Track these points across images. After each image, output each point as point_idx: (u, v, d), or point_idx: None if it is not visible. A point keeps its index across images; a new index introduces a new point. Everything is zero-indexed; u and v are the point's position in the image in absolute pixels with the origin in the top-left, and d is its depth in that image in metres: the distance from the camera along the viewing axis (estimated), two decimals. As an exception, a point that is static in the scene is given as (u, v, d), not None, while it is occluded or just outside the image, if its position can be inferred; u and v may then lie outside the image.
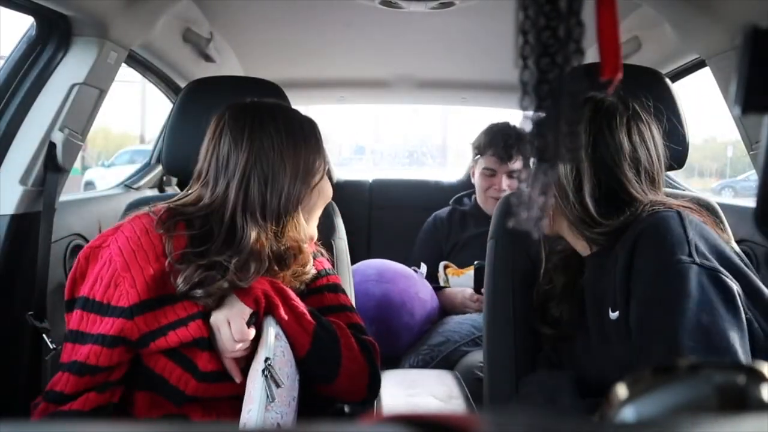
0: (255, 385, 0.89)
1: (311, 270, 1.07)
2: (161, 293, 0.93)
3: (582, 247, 1.03)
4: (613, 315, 0.93)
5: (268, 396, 0.88)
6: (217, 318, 0.93)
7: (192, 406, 0.96)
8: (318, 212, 1.09)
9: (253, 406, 0.87)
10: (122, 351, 0.92)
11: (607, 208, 0.95)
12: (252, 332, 0.93)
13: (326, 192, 1.09)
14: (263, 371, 0.89)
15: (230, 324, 0.92)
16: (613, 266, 0.93)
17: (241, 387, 0.95)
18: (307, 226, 1.05)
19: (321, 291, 1.11)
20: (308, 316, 0.99)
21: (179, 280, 0.93)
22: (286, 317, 0.96)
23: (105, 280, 0.93)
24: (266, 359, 0.90)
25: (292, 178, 1.00)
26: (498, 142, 2.05)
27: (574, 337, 1.07)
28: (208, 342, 0.94)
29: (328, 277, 1.14)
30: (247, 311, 0.93)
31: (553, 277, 1.12)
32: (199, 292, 0.92)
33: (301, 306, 0.99)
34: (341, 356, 1.01)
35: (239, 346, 0.92)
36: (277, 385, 0.89)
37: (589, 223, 0.96)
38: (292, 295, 0.99)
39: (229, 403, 0.97)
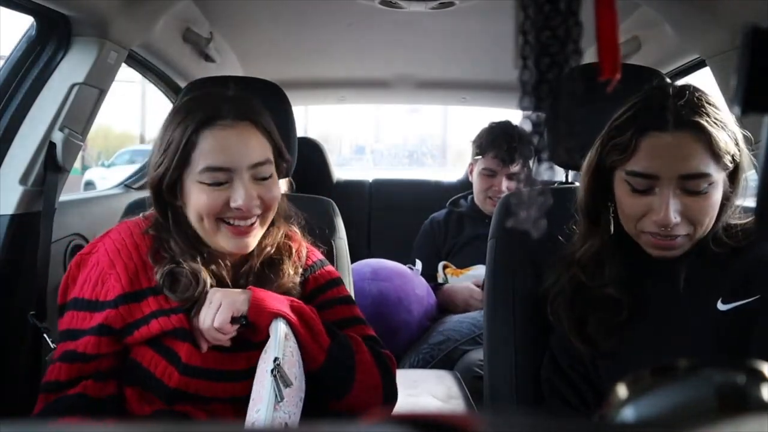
0: (264, 385, 0.89)
1: (291, 274, 1.05)
2: (146, 286, 0.96)
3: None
4: (724, 306, 0.93)
5: (276, 396, 0.87)
6: (215, 294, 0.95)
7: (182, 403, 0.96)
8: (202, 218, 0.96)
9: (262, 406, 0.87)
10: (109, 341, 0.95)
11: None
12: (231, 331, 0.93)
13: (196, 200, 0.96)
14: (272, 371, 0.89)
15: (219, 308, 0.93)
16: (725, 260, 0.95)
17: (233, 389, 0.95)
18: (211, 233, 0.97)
19: (332, 305, 1.09)
20: (324, 335, 0.98)
21: (157, 276, 0.96)
22: (301, 331, 0.96)
23: (93, 280, 0.97)
24: (275, 359, 0.90)
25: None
26: (501, 144, 2.01)
27: (620, 349, 0.98)
28: (191, 335, 0.95)
29: (339, 289, 1.12)
30: (241, 311, 0.93)
31: (613, 290, 1.00)
32: (173, 294, 0.94)
33: (319, 324, 0.99)
34: (355, 373, 0.99)
35: (208, 328, 0.93)
36: (286, 385, 0.89)
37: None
38: (310, 313, 0.99)
39: (222, 403, 0.97)
